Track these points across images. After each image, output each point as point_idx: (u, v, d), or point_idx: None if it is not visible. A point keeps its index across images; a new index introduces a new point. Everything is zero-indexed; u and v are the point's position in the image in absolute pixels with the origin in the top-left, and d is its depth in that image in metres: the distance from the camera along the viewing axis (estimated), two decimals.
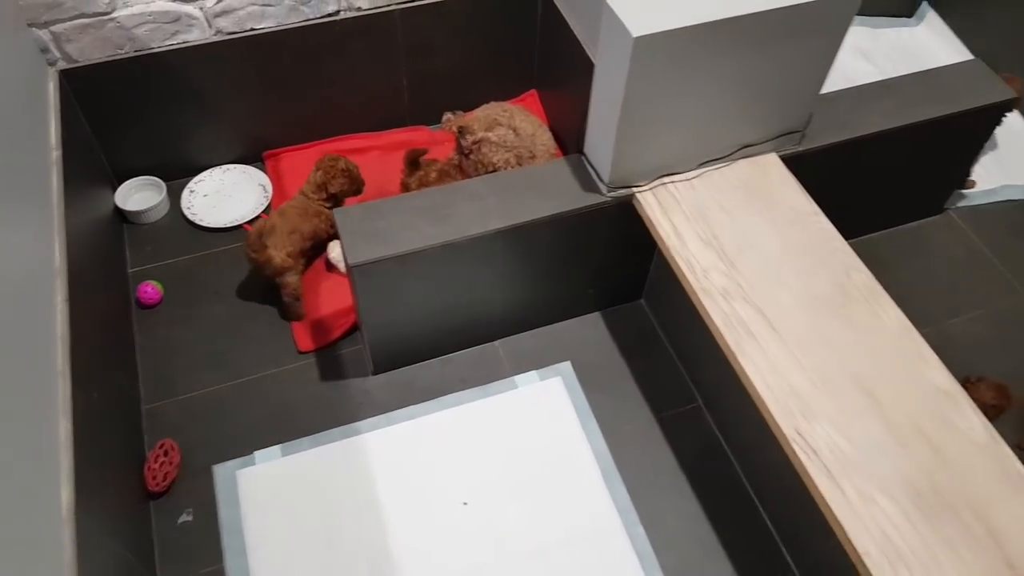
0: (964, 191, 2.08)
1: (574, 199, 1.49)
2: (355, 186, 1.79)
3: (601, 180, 1.49)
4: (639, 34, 1.21)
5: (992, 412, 1.50)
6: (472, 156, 1.75)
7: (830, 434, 1.18)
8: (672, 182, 1.50)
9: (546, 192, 1.50)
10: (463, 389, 1.66)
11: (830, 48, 1.39)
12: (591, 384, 1.68)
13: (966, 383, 1.54)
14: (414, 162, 1.84)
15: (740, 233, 1.43)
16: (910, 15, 2.52)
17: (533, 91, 2.17)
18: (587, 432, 1.60)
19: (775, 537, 1.47)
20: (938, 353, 1.39)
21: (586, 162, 1.54)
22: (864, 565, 1.06)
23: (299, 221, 1.71)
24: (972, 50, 2.38)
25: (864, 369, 1.25)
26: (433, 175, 1.81)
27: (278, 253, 1.65)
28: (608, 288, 1.75)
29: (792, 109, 1.49)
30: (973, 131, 1.78)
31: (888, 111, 1.66)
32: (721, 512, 1.51)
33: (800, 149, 1.58)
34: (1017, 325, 1.81)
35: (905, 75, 1.75)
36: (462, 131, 1.79)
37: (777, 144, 1.56)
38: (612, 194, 1.49)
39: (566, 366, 1.70)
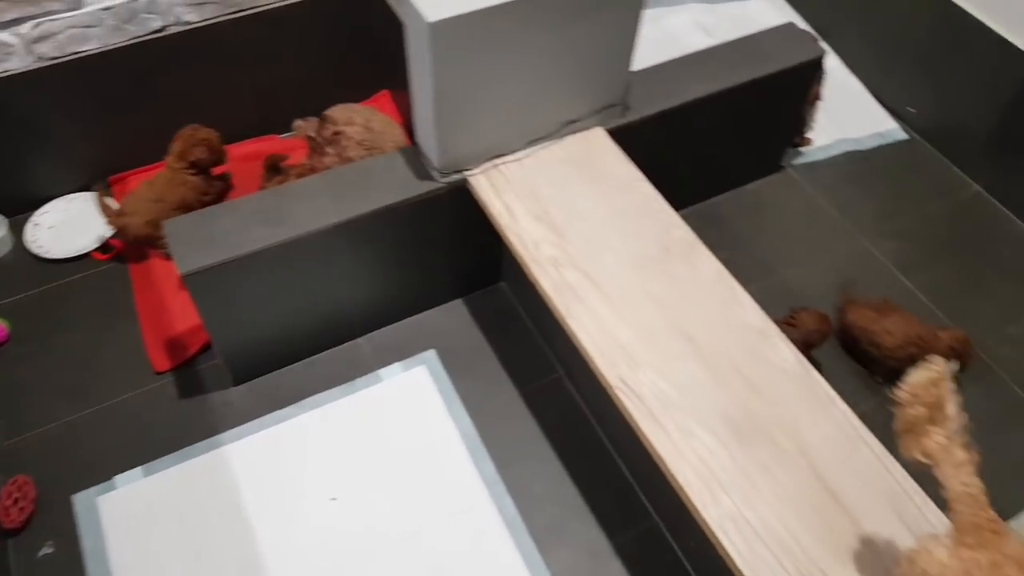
0: (801, 148, 2.20)
1: (408, 188, 1.52)
2: (215, 156, 1.83)
3: (433, 167, 1.53)
4: (434, 19, 1.25)
5: (816, 336, 1.60)
6: (331, 148, 1.76)
7: (653, 380, 1.25)
8: (504, 163, 1.55)
9: (381, 184, 1.53)
10: (329, 389, 1.67)
11: (630, 20, 1.47)
12: (456, 369, 1.71)
13: (791, 313, 1.63)
14: (274, 167, 1.85)
15: (569, 205, 1.49)
16: None
17: (386, 91, 2.20)
18: (453, 415, 1.64)
19: (634, 486, 1.53)
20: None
21: (419, 151, 1.57)
22: (686, 493, 1.12)
23: (166, 190, 1.76)
24: (806, 19, 2.52)
25: (684, 317, 1.33)
26: (293, 178, 1.82)
27: (134, 220, 1.70)
28: (466, 273, 1.79)
29: (607, 82, 1.56)
30: (791, 89, 1.88)
31: (707, 77, 1.75)
32: (584, 471, 1.57)
33: (625, 121, 1.65)
34: (850, 265, 1.93)
35: (724, 43, 1.85)
36: (323, 120, 1.80)
37: (602, 118, 1.62)
38: (446, 180, 1.53)
39: (430, 354, 1.74)
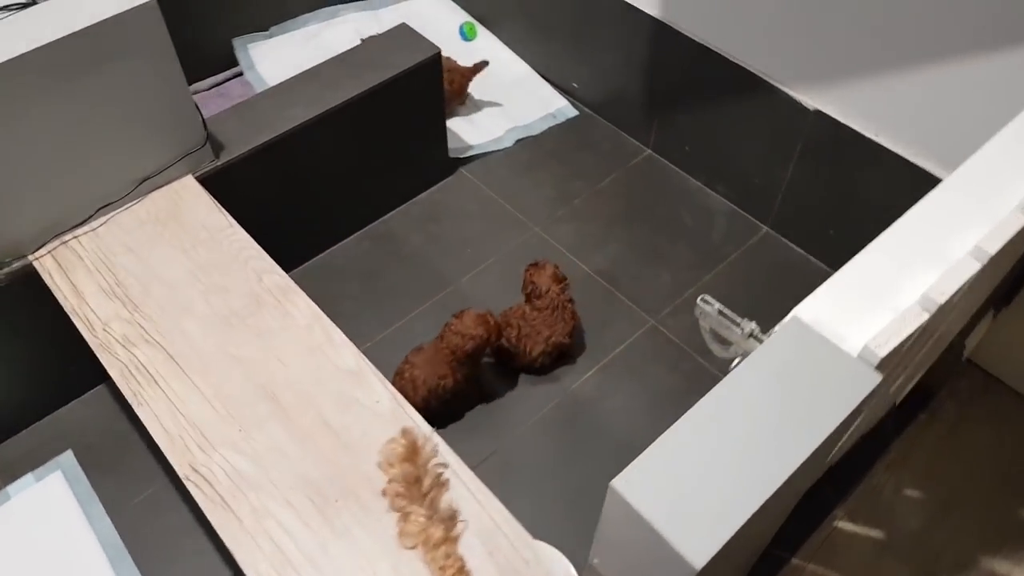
0: (474, 145, 2.15)
1: None
2: None
3: None
4: None
5: (478, 341, 1.49)
6: None
7: (229, 458, 1.13)
8: (74, 237, 1.38)
9: None
10: None
11: (161, 62, 1.32)
12: (97, 466, 1.53)
13: (455, 317, 1.53)
14: None
15: (147, 270, 1.34)
16: None
17: None
18: (92, 521, 1.46)
19: None
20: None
21: None
22: None
23: None
24: (468, 10, 2.48)
25: (271, 376, 1.21)
26: None
27: None
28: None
29: (172, 129, 1.42)
30: (417, 92, 1.79)
31: (311, 99, 1.64)
32: None
33: (220, 163, 1.52)
34: (524, 259, 1.87)
35: (332, 58, 1.75)
36: None
37: (188, 165, 1.48)
38: (3, 272, 1.34)
39: (67, 456, 1.54)
